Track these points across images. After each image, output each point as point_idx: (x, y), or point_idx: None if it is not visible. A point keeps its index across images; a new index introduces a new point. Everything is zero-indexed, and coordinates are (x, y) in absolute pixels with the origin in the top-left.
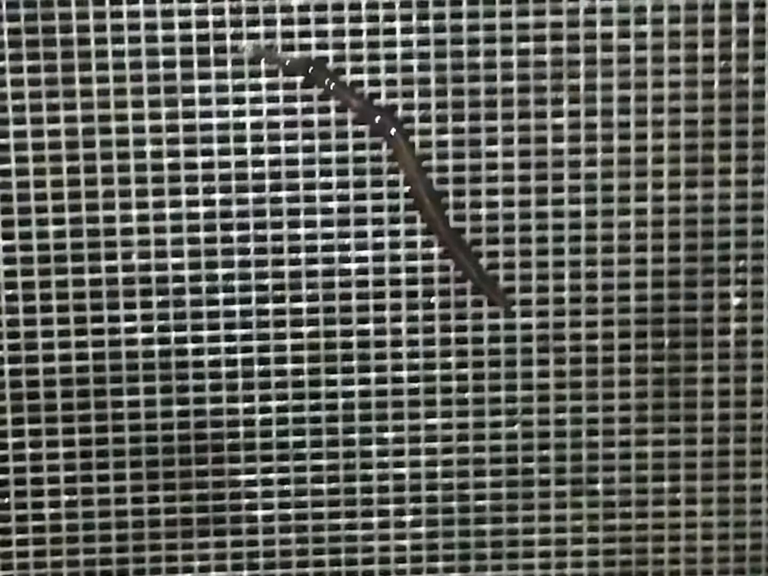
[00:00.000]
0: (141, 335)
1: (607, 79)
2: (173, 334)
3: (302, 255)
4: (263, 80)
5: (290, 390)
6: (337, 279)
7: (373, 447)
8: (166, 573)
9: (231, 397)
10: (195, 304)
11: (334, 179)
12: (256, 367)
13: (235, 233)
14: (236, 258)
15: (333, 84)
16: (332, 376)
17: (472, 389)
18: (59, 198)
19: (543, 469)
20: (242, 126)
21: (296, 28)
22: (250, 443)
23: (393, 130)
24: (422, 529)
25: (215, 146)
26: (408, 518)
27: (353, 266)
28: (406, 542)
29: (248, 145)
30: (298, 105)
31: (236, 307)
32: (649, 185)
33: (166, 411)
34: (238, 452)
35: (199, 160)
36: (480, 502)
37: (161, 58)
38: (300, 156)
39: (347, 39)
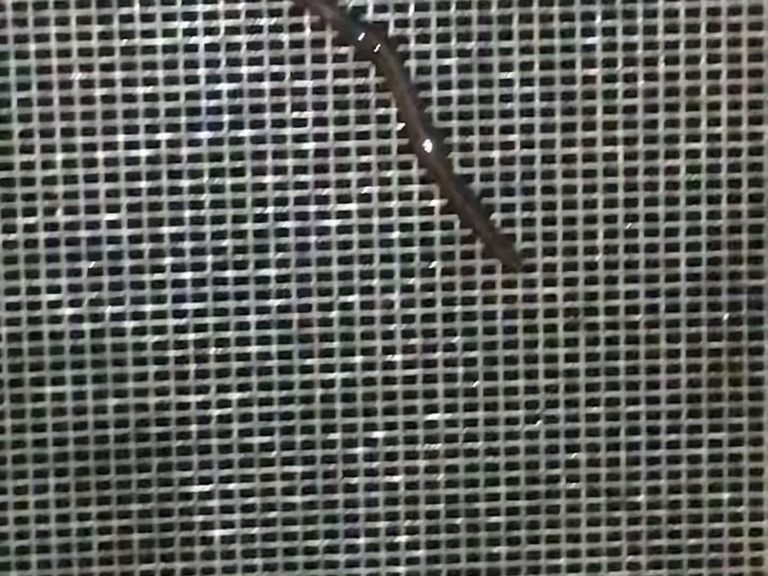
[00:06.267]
0: (67, 311)
1: None
2: (108, 309)
3: (269, 209)
4: None
5: (255, 379)
6: (313, 239)
7: (359, 450)
8: None
9: (181, 388)
10: (135, 271)
11: (309, 114)
12: (213, 350)
13: (185, 182)
14: (186, 213)
15: None
16: (308, 361)
17: (483, 377)
18: None
19: (571, 477)
20: (194, 48)
21: None
22: (204, 446)
23: (380, 48)
24: (420, 553)
25: (160, 73)
26: (402, 539)
27: (333, 223)
28: (401, 569)
29: (201, 71)
30: (263, 21)
31: (187, 275)
32: (703, 121)
33: (100, 406)
34: (190, 457)
35: (140, 90)
36: (493, 519)
37: None
38: (266, 85)
39: None
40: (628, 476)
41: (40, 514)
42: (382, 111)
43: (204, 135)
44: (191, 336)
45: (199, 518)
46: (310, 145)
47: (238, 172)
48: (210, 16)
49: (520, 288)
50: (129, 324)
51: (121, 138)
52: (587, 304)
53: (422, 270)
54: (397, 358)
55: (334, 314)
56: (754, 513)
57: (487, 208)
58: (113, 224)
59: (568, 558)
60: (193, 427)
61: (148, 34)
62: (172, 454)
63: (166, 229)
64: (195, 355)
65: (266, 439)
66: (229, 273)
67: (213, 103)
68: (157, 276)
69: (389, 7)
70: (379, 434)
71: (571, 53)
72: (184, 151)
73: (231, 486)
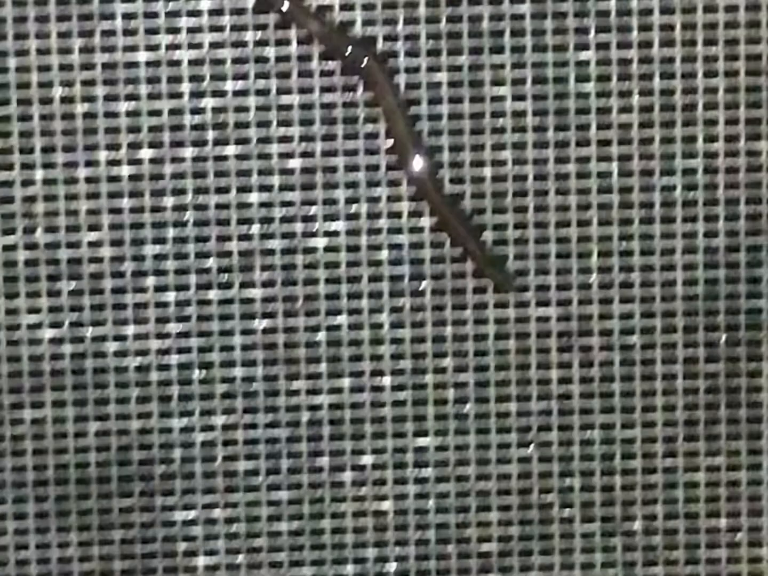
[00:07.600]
0: (47, 333)
1: (646, 1)
2: (89, 331)
3: (255, 228)
4: (204, 4)
5: (240, 402)
6: (299, 259)
7: (347, 475)
8: None
9: (164, 412)
10: (117, 291)
11: (295, 130)
12: (196, 373)
13: (168, 200)
14: (170, 232)
15: (293, 8)
16: (294, 384)
17: (474, 400)
18: None
19: (565, 504)
20: (177, 63)
21: None
22: (188, 472)
23: (368, 63)
24: None
25: (143, 89)
26: (392, 567)
27: (321, 242)
28: None
29: (185, 87)
30: (248, 36)
31: (170, 296)
32: (700, 138)
33: (80, 430)
34: (173, 483)
35: (123, 106)
36: (485, 547)
37: None
38: (252, 101)
39: None
40: (623, 502)
41: (19, 541)
42: (370, 127)
43: (188, 152)
44: (174, 358)
45: (183, 546)
46: (296, 163)
47: (222, 191)
48: (194, 30)
49: (513, 309)
50: (111, 346)
51: (102, 155)
52: (581, 326)
53: (412, 291)
54: (386, 381)
55: (321, 336)
56: (752, 540)
57: (478, 227)
58: (94, 244)
59: None
60: (177, 453)
61: (130, 48)
62: (154, 480)
63: (149, 249)
64: (178, 379)
65: (251, 464)
66: (214, 294)
67: (197, 119)
68: (140, 297)
69: (378, 21)
70: (367, 459)
71: (565, 68)
72: (168, 168)
73: (215, 513)
